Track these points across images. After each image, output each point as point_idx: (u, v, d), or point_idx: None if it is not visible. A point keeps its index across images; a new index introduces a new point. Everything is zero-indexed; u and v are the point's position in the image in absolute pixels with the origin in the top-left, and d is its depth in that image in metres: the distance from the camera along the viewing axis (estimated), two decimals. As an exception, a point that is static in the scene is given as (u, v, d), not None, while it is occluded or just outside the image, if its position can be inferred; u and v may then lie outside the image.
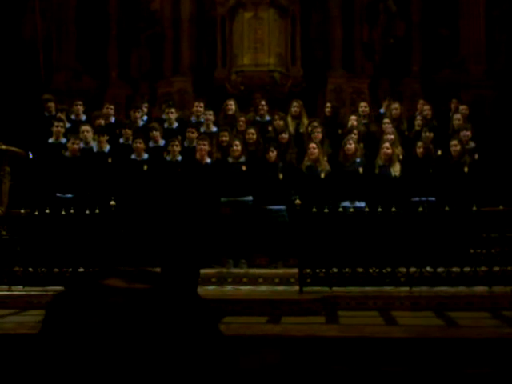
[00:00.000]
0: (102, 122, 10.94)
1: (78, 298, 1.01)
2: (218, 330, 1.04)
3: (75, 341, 0.96)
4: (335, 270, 8.28)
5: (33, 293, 7.96)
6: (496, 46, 14.13)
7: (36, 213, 8.78)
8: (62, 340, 0.97)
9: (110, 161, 10.14)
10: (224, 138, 10.25)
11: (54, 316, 1.00)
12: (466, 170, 9.68)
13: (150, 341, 0.95)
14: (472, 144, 10.41)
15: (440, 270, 8.25)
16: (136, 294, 0.99)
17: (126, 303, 0.98)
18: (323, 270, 8.28)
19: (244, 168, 9.76)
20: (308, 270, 8.27)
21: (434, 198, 9.44)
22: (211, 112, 11.13)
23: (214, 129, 10.90)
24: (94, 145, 10.31)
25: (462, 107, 11.47)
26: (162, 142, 10.44)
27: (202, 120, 11.15)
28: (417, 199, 9.33)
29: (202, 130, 10.89)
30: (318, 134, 10.24)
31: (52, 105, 11.29)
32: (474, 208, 8.39)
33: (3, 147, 9.46)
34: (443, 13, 14.28)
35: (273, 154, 9.73)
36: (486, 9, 14.10)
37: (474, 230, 8.48)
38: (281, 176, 9.64)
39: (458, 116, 11.05)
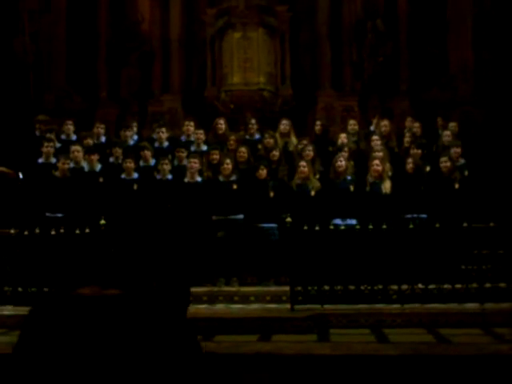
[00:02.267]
0: (91, 141, 10.92)
1: (50, 311, 1.01)
2: (197, 343, 1.03)
3: (51, 352, 0.95)
4: (327, 287, 8.27)
5: (22, 312, 7.87)
6: (484, 64, 14.23)
7: (26, 233, 8.74)
8: (37, 355, 0.96)
9: (101, 180, 10.11)
10: (215, 157, 10.23)
11: (29, 333, 1.00)
12: (456, 186, 9.69)
13: (120, 345, 0.94)
14: (462, 161, 10.43)
15: (431, 286, 8.25)
16: (107, 300, 0.98)
17: (97, 310, 0.97)
18: (315, 288, 8.26)
19: (235, 186, 9.74)
20: (299, 288, 8.25)
21: (425, 215, 9.44)
22: (202, 131, 11.14)
23: (205, 147, 10.90)
24: (84, 164, 10.28)
25: (451, 124, 11.51)
26: (152, 162, 10.42)
27: (193, 139, 11.15)
28: (408, 216, 9.32)
29: (193, 148, 10.89)
30: (309, 153, 10.24)
31: (41, 125, 11.26)
32: (465, 224, 8.40)
33: (-7, 167, 9.44)
34: (431, 32, 14.39)
35: (263, 171, 9.71)
36: (473, 28, 14.22)
37: (465, 247, 8.49)
38: (272, 194, 9.63)
39: (447, 133, 11.09)
